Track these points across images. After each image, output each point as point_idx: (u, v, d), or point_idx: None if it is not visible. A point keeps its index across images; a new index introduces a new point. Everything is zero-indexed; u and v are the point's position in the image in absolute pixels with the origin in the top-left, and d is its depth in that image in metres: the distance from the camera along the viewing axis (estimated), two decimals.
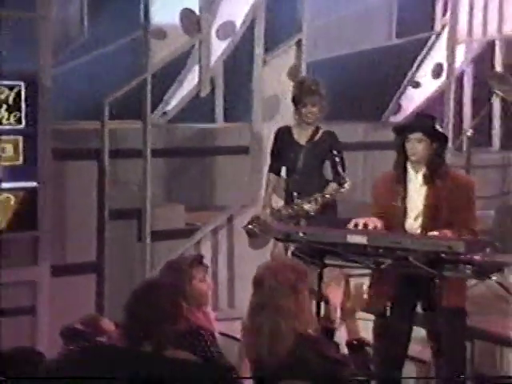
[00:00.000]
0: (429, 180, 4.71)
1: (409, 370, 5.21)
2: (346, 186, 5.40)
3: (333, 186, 5.60)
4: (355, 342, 3.62)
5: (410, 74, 8.19)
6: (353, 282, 3.82)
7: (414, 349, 5.28)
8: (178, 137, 7.30)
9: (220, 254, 6.62)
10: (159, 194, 6.93)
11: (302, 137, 5.83)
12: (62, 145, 6.06)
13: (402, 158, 4.76)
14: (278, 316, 3.46)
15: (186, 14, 6.91)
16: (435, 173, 4.71)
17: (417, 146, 4.68)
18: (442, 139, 4.75)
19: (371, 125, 7.90)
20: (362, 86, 7.82)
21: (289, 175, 5.86)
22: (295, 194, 5.73)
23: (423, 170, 4.75)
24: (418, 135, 4.69)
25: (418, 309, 4.87)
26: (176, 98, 7.36)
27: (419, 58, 8.14)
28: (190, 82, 7.34)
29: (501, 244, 6.76)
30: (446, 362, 4.65)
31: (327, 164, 5.72)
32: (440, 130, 4.82)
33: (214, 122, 7.57)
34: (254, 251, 6.01)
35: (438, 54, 8.04)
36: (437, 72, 8.10)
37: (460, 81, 7.90)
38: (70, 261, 5.97)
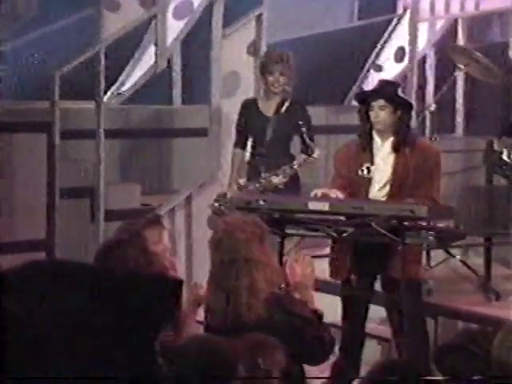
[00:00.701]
0: (397, 148, 4.68)
1: (371, 348, 5.20)
2: (314, 155, 5.34)
3: (301, 157, 5.57)
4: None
5: (372, 57, 8.19)
6: (305, 257, 3.80)
7: (376, 327, 5.28)
8: (134, 118, 7.22)
9: (177, 235, 6.56)
10: (114, 176, 6.86)
11: (268, 109, 5.78)
12: (10, 119, 5.96)
13: (368, 127, 4.72)
14: (252, 269, 3.43)
15: None
16: (403, 141, 4.68)
17: (380, 113, 4.65)
18: (406, 106, 4.73)
19: (334, 108, 7.88)
20: (323, 68, 7.81)
21: (255, 149, 5.81)
22: (262, 167, 5.69)
23: (391, 139, 4.72)
24: (380, 102, 4.66)
25: (378, 288, 4.85)
26: (132, 79, 7.29)
27: (381, 40, 8.14)
28: (146, 62, 7.27)
29: (464, 226, 6.80)
30: (408, 338, 4.64)
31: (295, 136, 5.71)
32: (403, 96, 4.81)
33: (171, 104, 7.53)
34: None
35: (401, 37, 8.04)
36: (399, 56, 8.10)
37: (423, 64, 7.91)
38: (18, 238, 5.87)
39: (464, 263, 5.87)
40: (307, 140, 5.42)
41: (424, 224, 4.37)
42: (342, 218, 4.50)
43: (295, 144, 5.74)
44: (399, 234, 4.31)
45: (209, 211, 5.87)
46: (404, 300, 4.51)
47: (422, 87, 7.86)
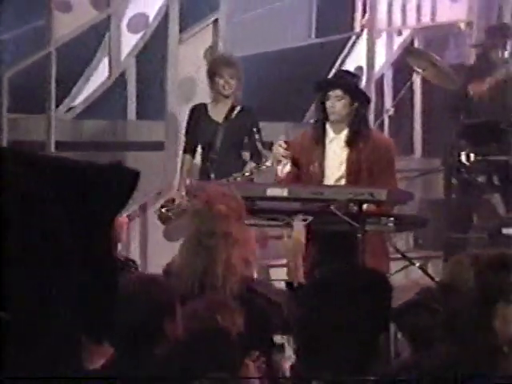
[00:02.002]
0: (351, 142, 4.77)
1: None
2: (267, 163, 5.45)
3: (252, 164, 5.68)
4: (293, 285, 3.70)
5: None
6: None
7: None
8: (87, 131, 7.30)
9: (132, 245, 6.62)
10: None
11: (218, 114, 5.87)
12: None
13: (322, 118, 4.83)
14: (230, 244, 3.50)
15: None
16: (357, 134, 4.76)
17: (336, 104, 4.74)
18: (363, 98, 4.85)
19: (293, 125, 8.04)
20: (282, 85, 7.97)
21: (205, 155, 5.89)
22: (212, 174, 5.79)
23: (345, 132, 4.82)
24: (338, 92, 4.76)
25: None
26: (84, 93, 7.38)
27: (340, 59, 8.34)
28: (100, 76, 7.39)
29: (422, 240, 7.00)
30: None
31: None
32: (361, 88, 4.94)
33: (125, 118, 7.62)
34: (170, 243, 6.02)
35: (359, 56, 8.26)
36: (358, 76, 8.31)
37: (380, 85, 8.12)
38: None
39: (423, 270, 6.02)
40: (260, 147, 5.55)
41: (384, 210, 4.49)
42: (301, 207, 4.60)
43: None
44: (359, 220, 4.42)
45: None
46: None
47: (381, 105, 8.06)
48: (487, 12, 7.90)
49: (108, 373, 2.83)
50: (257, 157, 5.63)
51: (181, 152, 6.20)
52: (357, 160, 4.79)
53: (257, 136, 5.58)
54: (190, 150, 6.00)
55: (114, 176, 1.84)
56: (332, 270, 2.69)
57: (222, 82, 5.80)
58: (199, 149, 5.98)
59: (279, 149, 4.75)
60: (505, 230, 6.38)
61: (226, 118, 5.86)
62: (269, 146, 5.91)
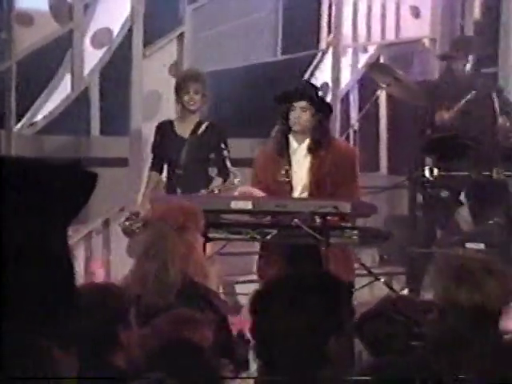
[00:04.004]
0: (313, 151, 4.88)
1: None
2: (235, 181, 5.48)
3: (219, 180, 5.75)
4: None
5: None
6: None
7: None
8: (48, 147, 7.33)
9: (94, 261, 6.67)
10: None
11: (184, 130, 5.94)
12: None
13: (285, 129, 4.95)
14: (166, 258, 3.58)
15: (57, 0, 7.01)
16: (319, 143, 4.89)
17: (301, 114, 4.87)
18: (327, 109, 4.98)
19: (258, 141, 8.13)
20: (248, 101, 8.05)
21: (171, 171, 5.95)
22: (179, 190, 5.84)
23: (307, 141, 4.93)
24: (302, 104, 4.89)
25: None
26: (46, 108, 7.42)
27: (306, 75, 8.45)
28: (62, 91, 7.43)
29: (387, 256, 7.11)
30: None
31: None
32: (324, 99, 5.06)
33: (88, 134, 7.67)
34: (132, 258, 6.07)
35: (325, 72, 8.38)
36: (323, 92, 8.43)
37: (346, 101, 8.24)
38: None
39: (388, 285, 6.13)
40: (228, 164, 5.62)
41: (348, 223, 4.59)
42: (266, 219, 4.68)
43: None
44: (323, 232, 4.51)
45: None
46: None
47: (346, 122, 8.17)
48: (450, 28, 8.07)
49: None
50: (224, 173, 5.68)
51: (147, 169, 6.26)
52: (320, 168, 4.89)
53: (225, 152, 5.65)
54: (156, 166, 6.07)
55: (73, 177, 1.91)
56: (286, 274, 2.76)
57: (187, 97, 5.90)
58: (166, 165, 6.04)
59: None
60: (468, 245, 6.51)
61: (192, 133, 5.93)
62: (233, 162, 6.01)
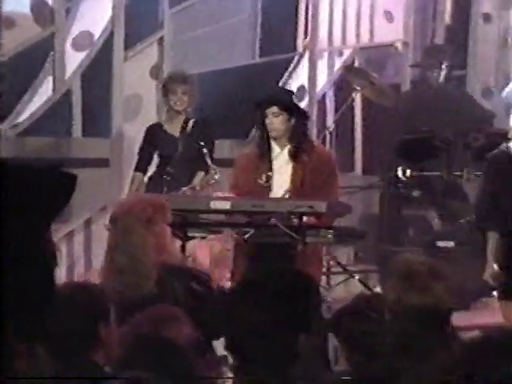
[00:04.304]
0: (294, 156, 4.95)
1: None
2: (216, 176, 5.54)
3: (200, 175, 5.78)
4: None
5: None
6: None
7: None
8: (30, 148, 7.33)
9: (76, 260, 6.67)
10: None
11: (174, 129, 6.03)
12: None
13: (265, 135, 4.99)
14: (137, 252, 3.59)
15: (38, 3, 7.01)
16: (300, 148, 4.95)
17: (274, 120, 4.92)
18: (301, 114, 5.02)
19: (237, 142, 8.16)
20: (227, 103, 8.08)
21: (162, 169, 5.98)
22: (165, 188, 5.83)
23: (288, 147, 4.99)
24: (274, 109, 4.94)
25: None
26: (29, 110, 7.41)
27: (283, 78, 8.49)
28: (44, 93, 7.43)
29: (362, 254, 7.17)
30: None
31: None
32: (297, 104, 5.10)
33: (70, 135, 7.67)
34: None
35: (301, 75, 8.42)
36: (300, 94, 8.47)
37: (323, 103, 8.28)
38: None
39: (363, 283, 6.18)
40: (209, 161, 5.66)
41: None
42: (244, 218, 4.72)
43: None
44: (300, 232, 4.55)
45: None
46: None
47: (323, 124, 8.22)
48: (422, 33, 8.15)
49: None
50: (205, 168, 5.73)
51: (130, 169, 6.29)
52: (301, 173, 4.95)
53: (206, 150, 5.70)
54: (141, 167, 6.12)
55: (53, 178, 1.92)
56: (257, 272, 2.78)
57: (174, 98, 5.96)
58: (155, 163, 6.09)
59: None
60: (439, 243, 6.59)
61: (182, 131, 5.99)
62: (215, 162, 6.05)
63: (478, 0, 7.97)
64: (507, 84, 7.72)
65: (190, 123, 6.00)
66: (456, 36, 8.10)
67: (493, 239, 4.54)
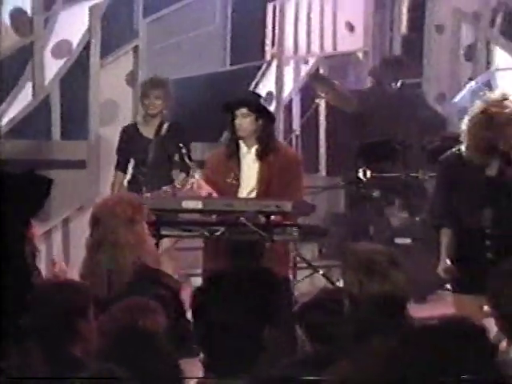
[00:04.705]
0: (261, 155, 4.95)
1: None
2: (196, 175, 5.55)
3: (182, 176, 5.79)
4: None
5: None
6: None
7: None
8: (11, 151, 7.29)
9: (55, 256, 6.64)
10: None
11: (149, 131, 6.04)
12: None
13: (234, 135, 5.00)
14: (116, 250, 3.59)
15: (17, 13, 6.98)
16: (267, 148, 4.95)
17: (243, 121, 4.93)
18: (268, 115, 5.05)
19: (209, 145, 8.17)
20: (200, 108, 8.09)
21: (137, 169, 6.00)
22: (144, 187, 5.84)
23: (255, 146, 4.99)
24: (243, 110, 4.94)
25: None
26: (9, 115, 7.39)
27: (252, 85, 8.52)
28: (25, 99, 7.40)
29: (326, 250, 7.20)
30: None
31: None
32: (265, 105, 5.13)
33: (50, 138, 7.65)
34: None
35: (269, 82, 8.46)
36: (268, 100, 8.51)
37: (289, 108, 8.32)
38: None
39: (326, 277, 6.21)
40: (188, 161, 5.68)
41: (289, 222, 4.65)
42: (214, 216, 4.72)
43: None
44: (267, 230, 4.57)
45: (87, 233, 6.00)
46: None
47: (289, 128, 8.26)
48: (381, 42, 8.23)
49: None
50: (185, 169, 5.74)
51: (108, 169, 6.30)
52: (267, 172, 4.96)
53: (185, 150, 5.71)
54: (121, 166, 6.12)
55: (28, 182, 1.93)
56: (224, 270, 2.79)
57: (147, 102, 5.99)
58: (131, 164, 6.10)
59: (201, 185, 4.88)
60: (397, 240, 6.66)
61: (156, 134, 6.00)
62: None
63: (431, 12, 8.07)
64: (459, 91, 7.80)
65: (165, 126, 6.01)
66: (412, 45, 8.19)
67: (446, 236, 4.58)
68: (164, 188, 5.73)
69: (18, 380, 1.79)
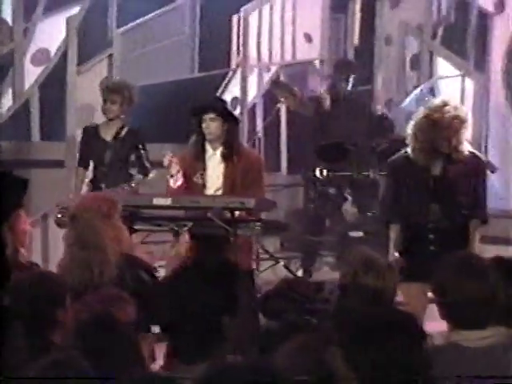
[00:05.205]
0: (226, 157, 4.97)
1: None
2: (151, 175, 5.60)
3: (138, 176, 5.79)
4: None
5: None
6: None
7: None
8: None
9: (34, 251, 6.60)
10: None
11: (107, 134, 5.98)
12: None
13: (200, 138, 5.02)
14: (98, 244, 3.58)
15: None
16: (231, 150, 4.97)
17: (210, 124, 4.95)
18: (233, 120, 5.07)
19: (179, 145, 8.16)
20: (171, 112, 8.09)
21: (97, 169, 5.98)
22: (103, 185, 5.86)
23: (221, 149, 5.01)
24: (211, 115, 4.97)
25: None
26: None
27: (219, 90, 8.53)
28: (6, 103, 7.35)
29: (287, 243, 7.24)
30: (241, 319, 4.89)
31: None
32: (230, 110, 5.16)
33: (30, 140, 7.61)
34: None
35: (235, 88, 8.48)
36: (233, 104, 8.52)
37: (253, 112, 8.35)
38: None
39: (287, 268, 6.24)
40: (145, 162, 5.69)
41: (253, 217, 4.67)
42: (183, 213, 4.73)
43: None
44: (232, 225, 4.59)
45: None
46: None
47: (253, 131, 8.29)
48: (335, 52, 8.31)
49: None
50: (142, 171, 5.75)
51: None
52: (231, 172, 4.99)
53: (143, 152, 5.71)
54: (83, 164, 6.10)
55: (5, 183, 1.92)
56: (188, 262, 2.80)
57: (105, 107, 5.93)
58: (91, 163, 6.06)
59: (172, 164, 4.89)
60: (350, 233, 6.71)
61: (115, 137, 5.95)
62: (155, 163, 6.07)
63: (381, 25, 8.18)
64: (406, 97, 7.88)
65: (125, 130, 5.95)
66: (363, 55, 8.27)
67: (394, 230, 4.66)
68: (121, 185, 5.70)
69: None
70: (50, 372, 2.26)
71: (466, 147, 4.62)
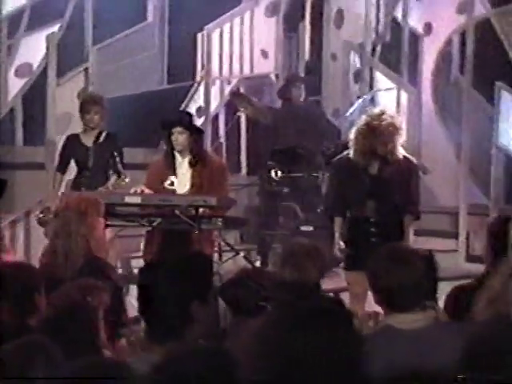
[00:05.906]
0: (193, 164, 5.02)
1: None
2: (126, 180, 5.55)
3: (114, 179, 5.77)
4: None
5: None
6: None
7: None
8: None
9: (17, 246, 6.55)
10: None
11: (88, 140, 5.96)
12: None
13: (170, 148, 5.06)
14: (70, 239, 3.57)
15: None
16: (198, 158, 5.03)
17: (179, 137, 5.00)
18: (198, 132, 5.12)
19: (150, 150, 8.15)
20: (142, 120, 8.06)
21: (80, 172, 5.94)
22: (84, 187, 5.81)
23: (188, 157, 5.04)
24: (178, 129, 5.02)
25: None
26: None
27: (186, 101, 8.53)
28: None
29: (246, 236, 7.26)
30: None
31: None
32: (196, 124, 5.19)
33: (14, 144, 7.55)
34: None
35: (199, 98, 8.48)
36: (198, 113, 8.52)
37: (216, 120, 8.37)
38: None
39: (246, 258, 6.26)
40: (119, 167, 5.67)
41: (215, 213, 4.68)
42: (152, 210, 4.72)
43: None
44: (196, 220, 4.59)
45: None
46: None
47: (216, 137, 8.31)
48: (288, 67, 8.37)
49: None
50: (118, 173, 5.73)
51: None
52: (198, 178, 5.04)
53: (118, 158, 5.68)
54: (61, 168, 6.07)
55: None
56: (162, 254, 2.81)
57: (88, 117, 5.90)
58: (74, 167, 6.03)
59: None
60: (302, 228, 6.76)
61: (95, 142, 5.93)
62: (129, 165, 6.07)
63: (327, 43, 8.26)
64: (350, 107, 7.97)
65: (103, 135, 5.94)
66: (312, 69, 8.36)
67: (338, 223, 4.77)
68: (99, 189, 5.67)
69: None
70: (19, 355, 2.24)
71: (400, 151, 4.75)
